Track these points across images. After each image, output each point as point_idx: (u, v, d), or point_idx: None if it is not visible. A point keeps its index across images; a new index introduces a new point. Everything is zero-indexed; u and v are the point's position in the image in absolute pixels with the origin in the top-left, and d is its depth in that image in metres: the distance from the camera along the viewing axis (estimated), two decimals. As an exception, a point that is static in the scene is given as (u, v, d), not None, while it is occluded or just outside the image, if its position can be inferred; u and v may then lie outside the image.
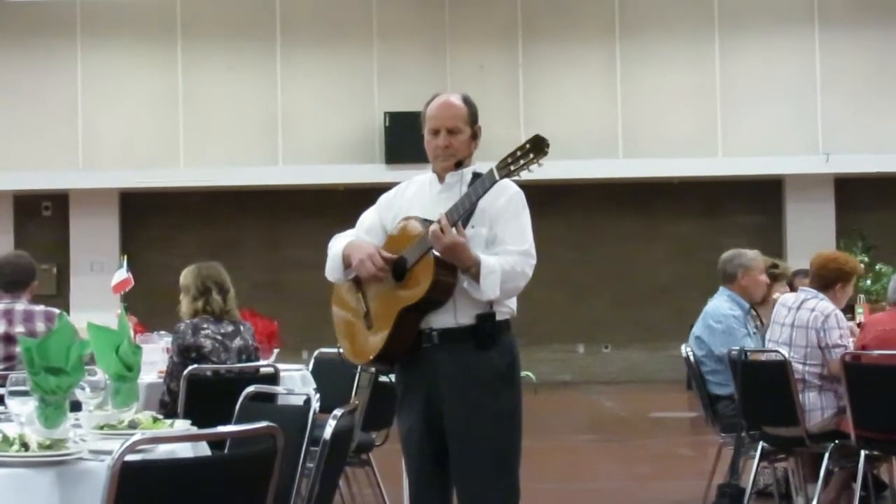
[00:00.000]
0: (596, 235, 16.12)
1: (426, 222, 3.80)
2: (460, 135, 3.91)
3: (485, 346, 3.80)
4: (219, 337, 5.64)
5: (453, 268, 3.77)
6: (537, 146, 3.61)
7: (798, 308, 6.04)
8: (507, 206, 3.85)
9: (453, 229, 3.69)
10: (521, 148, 3.63)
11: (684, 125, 15.46)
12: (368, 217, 4.07)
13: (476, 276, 3.73)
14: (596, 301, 16.08)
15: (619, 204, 16.10)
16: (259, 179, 15.39)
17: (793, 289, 7.01)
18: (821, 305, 5.99)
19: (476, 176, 3.87)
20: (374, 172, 14.65)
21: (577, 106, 15.50)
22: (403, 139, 13.79)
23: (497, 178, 3.65)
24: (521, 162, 3.62)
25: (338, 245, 4.00)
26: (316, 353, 6.89)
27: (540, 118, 15.14)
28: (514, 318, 3.93)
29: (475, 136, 3.97)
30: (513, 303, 3.92)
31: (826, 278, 6.07)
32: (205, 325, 5.67)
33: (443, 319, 3.81)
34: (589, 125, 15.40)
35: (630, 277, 16.05)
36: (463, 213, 3.73)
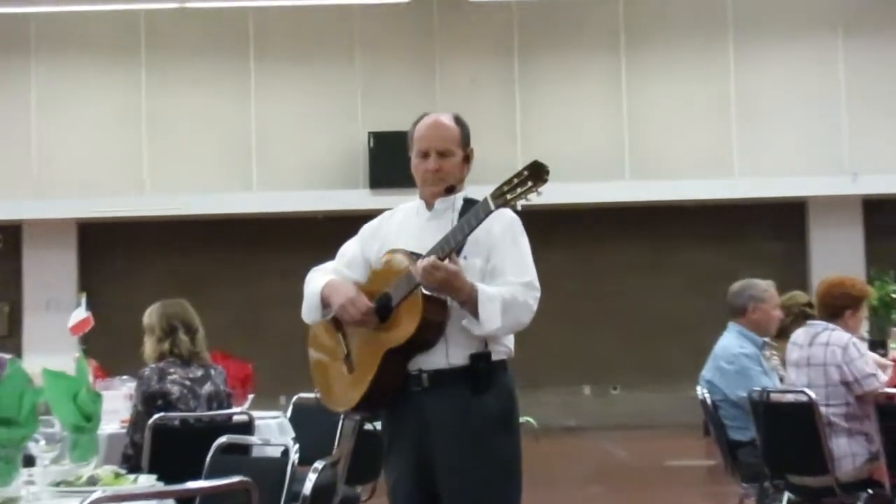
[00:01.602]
0: (602, 265, 16.01)
1: (413, 256, 3.82)
2: (452, 158, 3.96)
3: (480, 390, 3.81)
4: (187, 382, 5.62)
5: (444, 305, 3.79)
6: (536, 173, 3.62)
7: (810, 344, 6.03)
8: (503, 235, 3.87)
9: (446, 260, 3.70)
10: (519, 175, 3.64)
11: (698, 143, 15.37)
12: (350, 249, 4.09)
13: (474, 307, 3.75)
14: (603, 338, 15.94)
15: (627, 231, 15.96)
16: (231, 207, 15.30)
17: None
18: (834, 337, 5.98)
19: (468, 202, 3.90)
20: (358, 199, 14.64)
21: (580, 123, 15.44)
22: (390, 162, 13.74)
23: (492, 207, 3.66)
24: (519, 190, 3.62)
25: (315, 283, 4.01)
26: (295, 398, 6.92)
27: (538, 137, 15.18)
28: (512, 358, 3.93)
29: (468, 158, 4.02)
30: (510, 341, 3.92)
31: (833, 306, 6.06)
32: (172, 370, 5.64)
33: (433, 360, 3.82)
34: (592, 144, 15.32)
35: (640, 311, 15.92)
36: (453, 248, 3.74)
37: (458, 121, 4.03)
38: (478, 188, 3.95)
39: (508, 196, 3.64)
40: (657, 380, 15.72)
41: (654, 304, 15.93)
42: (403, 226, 4.02)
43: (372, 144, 15.08)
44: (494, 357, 3.85)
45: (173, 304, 5.85)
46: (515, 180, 3.64)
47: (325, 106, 15.56)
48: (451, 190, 3.96)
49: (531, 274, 3.86)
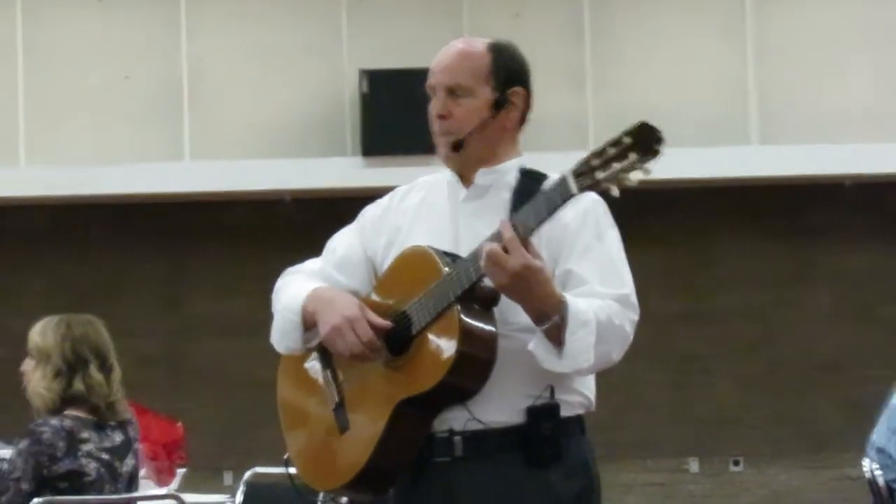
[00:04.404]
0: (715, 274, 14.54)
1: (446, 257, 3.41)
2: (468, 99, 3.52)
3: (542, 462, 3.42)
4: (105, 456, 4.75)
5: (492, 336, 3.37)
6: (643, 141, 3.16)
7: None
8: (582, 226, 3.46)
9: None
10: (616, 143, 3.19)
11: (859, 92, 13.82)
12: (343, 242, 3.69)
13: (557, 330, 3.30)
14: (717, 385, 14.49)
15: (753, 221, 14.49)
16: (151, 185, 13.44)
17: None
18: None
19: (529, 177, 3.50)
20: (344, 171, 12.89)
21: (681, 63, 13.95)
22: (393, 116, 12.19)
23: (574, 191, 3.24)
24: (615, 166, 3.18)
25: (294, 291, 3.58)
26: (248, 474, 6.64)
27: (619, 83, 13.52)
28: (591, 414, 3.56)
29: (499, 104, 3.54)
30: (590, 387, 3.51)
31: None
32: (84, 434, 4.77)
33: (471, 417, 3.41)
34: (701, 94, 13.81)
35: (772, 345, 14.52)
36: (537, 224, 3.28)
37: (495, 48, 3.55)
38: (532, 157, 3.63)
39: (598, 175, 3.20)
40: (798, 449, 14.48)
41: (793, 335, 14.39)
42: (425, 211, 3.60)
43: (365, 88, 13.08)
44: (564, 412, 3.45)
45: (82, 321, 4.96)
46: (611, 151, 3.19)
47: (293, 34, 13.62)
48: (457, 147, 3.51)
49: (628, 285, 3.44)
